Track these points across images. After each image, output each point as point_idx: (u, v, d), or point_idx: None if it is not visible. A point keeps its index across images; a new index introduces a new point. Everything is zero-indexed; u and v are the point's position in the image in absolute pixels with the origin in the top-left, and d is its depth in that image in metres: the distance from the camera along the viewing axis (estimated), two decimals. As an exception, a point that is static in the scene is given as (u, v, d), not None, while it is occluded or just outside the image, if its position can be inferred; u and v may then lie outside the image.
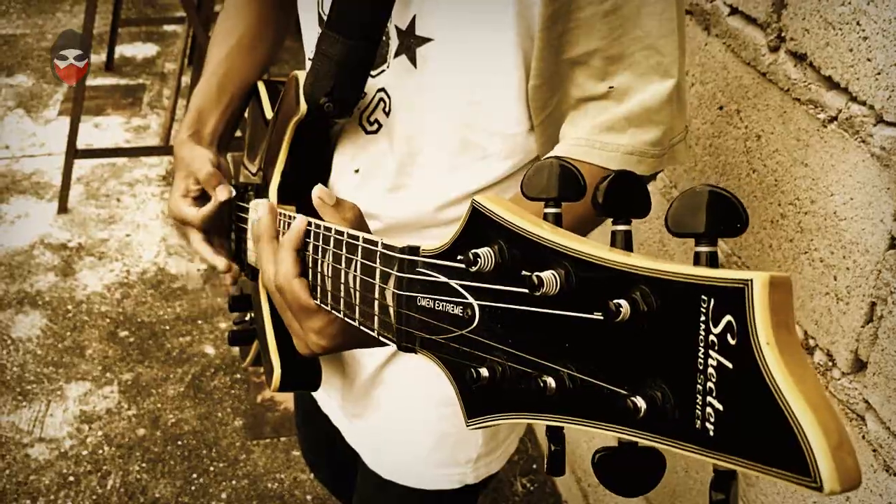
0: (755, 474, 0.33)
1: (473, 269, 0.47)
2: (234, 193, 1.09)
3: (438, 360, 0.54)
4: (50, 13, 5.27)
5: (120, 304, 2.94)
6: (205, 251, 1.13)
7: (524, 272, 0.43)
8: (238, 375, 2.66)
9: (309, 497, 2.26)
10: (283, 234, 0.81)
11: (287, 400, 2.50)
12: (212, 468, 2.34)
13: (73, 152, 3.31)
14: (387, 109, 0.92)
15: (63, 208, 3.40)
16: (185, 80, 3.83)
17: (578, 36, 0.80)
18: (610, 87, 0.81)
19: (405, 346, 0.58)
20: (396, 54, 0.87)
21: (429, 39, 0.84)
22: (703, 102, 1.38)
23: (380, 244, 0.62)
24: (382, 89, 0.92)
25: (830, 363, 1.10)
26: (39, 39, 4.89)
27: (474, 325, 0.49)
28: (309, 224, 0.79)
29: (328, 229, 0.73)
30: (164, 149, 3.60)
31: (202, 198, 1.12)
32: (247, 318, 1.21)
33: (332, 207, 0.77)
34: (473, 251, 0.47)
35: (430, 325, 0.54)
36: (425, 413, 1.10)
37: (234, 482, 2.30)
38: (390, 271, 0.59)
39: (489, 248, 0.47)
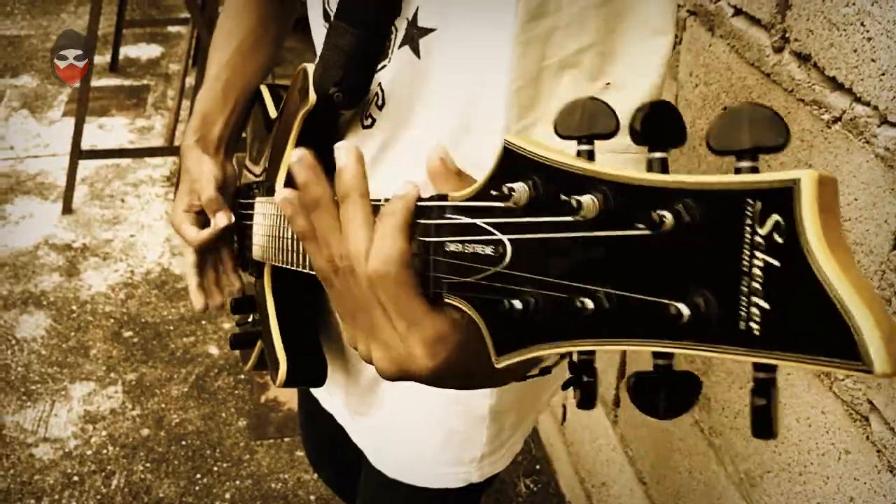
0: (803, 366, 0.34)
1: (509, 203, 0.47)
2: (233, 220, 1.09)
3: (467, 302, 0.53)
4: (54, 14, 5.29)
5: (124, 305, 2.95)
6: (191, 279, 1.14)
7: (563, 197, 0.43)
8: (242, 376, 2.66)
9: (313, 497, 2.27)
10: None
11: (291, 400, 2.51)
12: (216, 468, 2.35)
13: (77, 153, 3.32)
14: (379, 103, 0.92)
15: (67, 209, 3.41)
16: (190, 81, 3.83)
17: (570, 33, 0.75)
18: (606, 84, 0.77)
19: (434, 292, 0.57)
20: (400, 46, 0.87)
21: (431, 30, 0.84)
22: (708, 103, 1.38)
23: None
24: (378, 84, 0.92)
25: (834, 364, 1.10)
26: (44, 40, 4.91)
27: (506, 261, 0.49)
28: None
29: None
30: (169, 149, 3.61)
31: (204, 213, 1.13)
32: (249, 320, 1.21)
33: (454, 175, 0.60)
34: (508, 185, 0.47)
35: (461, 268, 0.53)
36: (431, 411, 1.10)
37: (237, 482, 2.30)
38: (416, 221, 0.58)
39: (523, 183, 0.47)
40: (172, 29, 5.06)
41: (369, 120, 0.94)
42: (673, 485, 1.66)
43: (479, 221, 0.52)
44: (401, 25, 0.86)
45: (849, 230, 1.05)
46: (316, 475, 2.16)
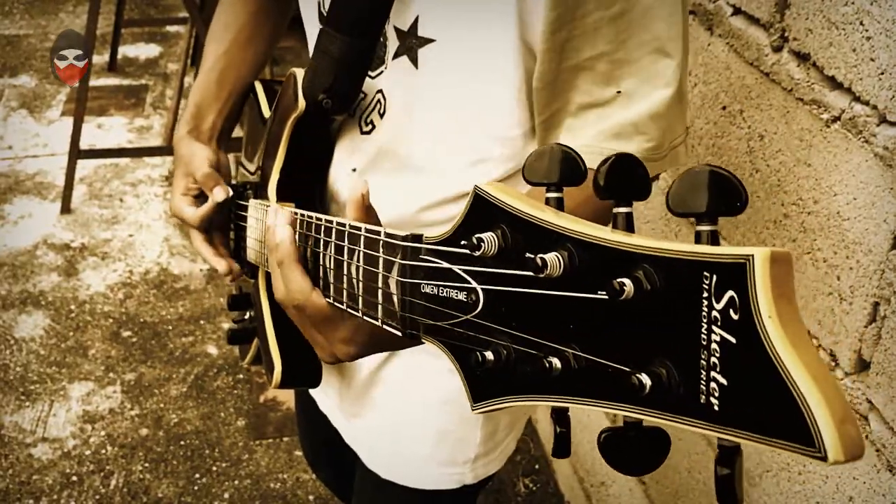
0: (760, 446, 0.34)
1: (477, 253, 0.47)
2: (231, 194, 1.09)
3: (443, 345, 0.54)
4: (53, 14, 5.28)
5: (123, 305, 2.94)
6: (206, 252, 1.14)
7: (528, 254, 0.44)
8: (241, 375, 2.66)
9: (311, 497, 2.26)
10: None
11: (289, 400, 2.50)
12: (214, 468, 2.34)
13: (76, 153, 3.32)
14: (381, 111, 0.92)
15: (66, 208, 3.40)
16: (188, 80, 3.83)
17: (584, 41, 0.78)
18: (617, 92, 0.80)
19: (410, 332, 0.58)
20: (396, 55, 0.87)
21: (431, 40, 0.84)
22: (707, 103, 1.38)
23: (383, 233, 0.63)
24: (380, 91, 0.92)
25: (833, 363, 1.10)
26: (42, 40, 4.90)
27: (479, 309, 0.50)
28: (307, 217, 0.78)
29: (329, 221, 0.73)
30: (167, 149, 3.61)
31: (202, 196, 1.13)
32: (246, 316, 1.21)
33: (364, 209, 0.72)
34: (477, 236, 0.47)
35: (435, 311, 0.54)
36: (424, 413, 1.10)
37: (236, 482, 2.30)
38: (394, 259, 0.59)
39: (492, 233, 0.47)
40: (171, 28, 5.05)
41: (369, 126, 0.94)
42: (672, 484, 1.66)
43: (454, 267, 0.52)
44: (395, 34, 0.87)
45: (848, 229, 1.05)
46: (314, 475, 2.16)
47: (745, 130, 1.27)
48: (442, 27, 0.83)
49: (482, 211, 0.49)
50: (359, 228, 0.66)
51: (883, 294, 1.00)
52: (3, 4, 5.36)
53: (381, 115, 0.92)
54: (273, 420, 2.50)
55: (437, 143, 0.90)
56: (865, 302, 1.03)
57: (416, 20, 0.84)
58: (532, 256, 0.43)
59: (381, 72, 0.90)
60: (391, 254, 0.60)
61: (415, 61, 0.85)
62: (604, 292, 0.40)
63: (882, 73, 0.96)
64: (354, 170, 0.98)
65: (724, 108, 1.33)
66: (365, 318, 0.68)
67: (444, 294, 0.53)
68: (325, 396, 1.23)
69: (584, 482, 2.18)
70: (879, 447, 1.03)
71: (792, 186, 1.16)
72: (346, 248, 0.69)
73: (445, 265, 0.53)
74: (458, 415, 1.08)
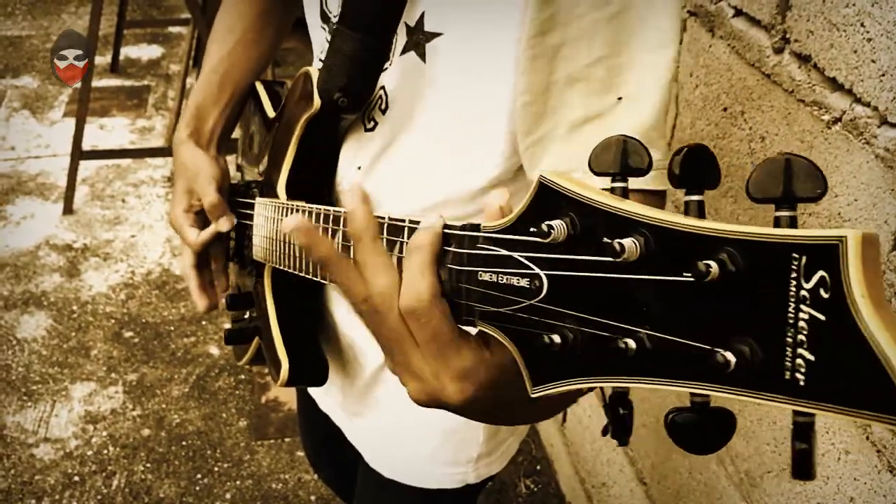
0: (845, 418, 0.35)
1: (547, 240, 0.48)
2: (235, 223, 1.09)
3: (500, 330, 0.54)
4: (55, 15, 5.29)
5: (125, 305, 2.95)
6: (192, 281, 1.14)
7: (605, 239, 0.44)
8: (242, 376, 2.67)
9: (313, 498, 2.27)
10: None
11: (291, 400, 2.51)
12: (216, 468, 2.35)
13: (78, 153, 3.33)
14: (383, 107, 0.92)
15: (68, 209, 3.41)
16: (190, 81, 3.84)
17: (579, 47, 0.73)
18: (618, 98, 0.74)
19: (465, 319, 0.58)
20: (404, 51, 0.87)
21: (438, 34, 0.84)
22: (708, 104, 1.38)
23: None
24: (382, 87, 0.92)
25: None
26: (45, 41, 4.91)
27: (543, 294, 0.50)
28: (335, 211, 0.73)
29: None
30: (169, 150, 3.61)
31: (203, 212, 1.13)
32: (245, 316, 1.21)
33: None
34: (547, 223, 0.48)
35: (494, 298, 0.55)
36: (427, 412, 1.10)
37: (238, 482, 2.31)
38: (447, 249, 0.59)
39: (561, 221, 0.48)
40: (173, 29, 5.06)
41: (371, 123, 0.94)
42: (673, 485, 1.66)
43: (515, 255, 0.53)
44: (402, 30, 0.87)
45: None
46: (316, 475, 2.16)
47: (746, 132, 1.27)
48: (448, 21, 0.83)
49: (547, 199, 0.50)
50: (403, 220, 0.66)
51: (885, 295, 1.00)
52: (6, 5, 5.37)
53: (383, 112, 0.92)
54: (275, 421, 2.51)
55: (440, 138, 0.90)
56: (866, 303, 1.03)
57: (423, 15, 0.84)
58: (609, 241, 0.44)
59: (386, 68, 0.90)
60: (443, 244, 0.60)
61: (423, 56, 0.85)
62: (689, 274, 0.41)
63: (883, 75, 0.97)
64: (359, 168, 0.99)
65: (725, 109, 1.33)
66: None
67: (504, 281, 0.54)
68: (326, 395, 1.23)
69: (585, 483, 2.18)
70: (880, 448, 1.03)
71: (793, 187, 1.16)
72: (385, 240, 0.66)
73: (505, 253, 0.54)
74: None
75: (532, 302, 0.51)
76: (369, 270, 0.61)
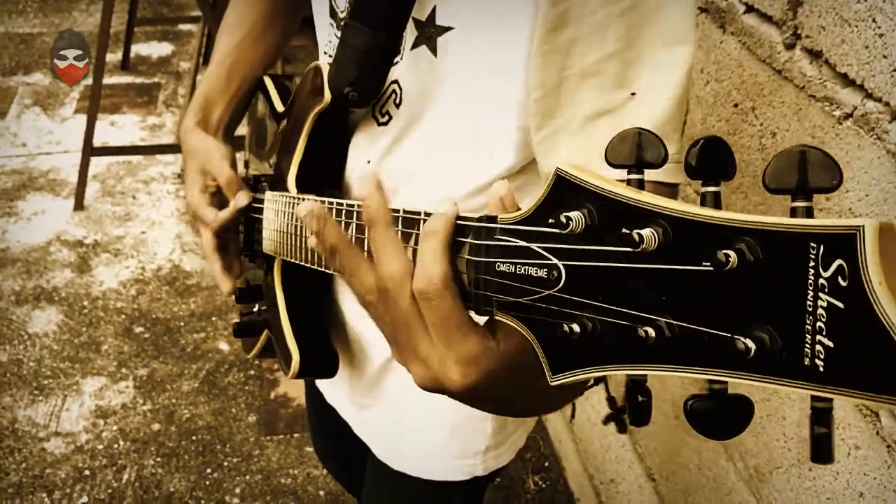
0: (864, 402, 0.36)
1: (565, 231, 0.49)
2: (252, 198, 1.09)
3: (518, 320, 0.55)
4: (66, 12, 5.31)
5: (135, 301, 2.96)
6: (216, 263, 1.12)
7: (624, 230, 0.45)
8: (252, 372, 2.68)
9: (322, 493, 2.28)
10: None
11: (300, 396, 2.52)
12: (226, 463, 2.36)
13: (89, 150, 3.34)
14: (397, 101, 0.92)
15: (79, 205, 3.43)
16: (200, 78, 3.85)
17: (591, 42, 0.73)
18: (632, 94, 0.74)
19: (483, 309, 0.59)
20: (414, 45, 0.88)
21: (449, 28, 0.84)
22: (719, 100, 1.38)
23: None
24: (395, 81, 0.92)
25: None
26: (56, 38, 4.93)
27: (561, 284, 0.51)
28: (348, 205, 0.74)
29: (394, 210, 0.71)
30: (180, 147, 3.62)
31: (219, 193, 1.12)
32: (254, 309, 1.21)
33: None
34: (565, 214, 0.49)
35: (512, 288, 0.55)
36: (435, 404, 1.10)
37: (247, 477, 2.32)
38: (464, 240, 0.60)
39: (579, 212, 0.49)
40: (183, 27, 5.08)
41: (385, 117, 0.95)
42: (682, 481, 1.66)
43: (532, 246, 0.53)
44: (413, 25, 0.87)
45: (859, 226, 1.05)
46: (325, 470, 2.17)
47: (757, 128, 1.27)
48: (460, 15, 0.83)
49: (564, 191, 0.51)
50: (417, 213, 0.66)
51: (894, 290, 1.00)
52: (17, 3, 5.40)
53: (397, 106, 0.93)
54: (284, 416, 2.52)
55: (450, 132, 0.90)
56: (877, 298, 1.03)
57: (434, 9, 0.84)
58: (628, 232, 0.44)
59: (397, 62, 0.91)
60: (460, 234, 0.61)
61: (434, 50, 0.85)
62: (708, 263, 0.42)
63: (894, 70, 0.97)
64: (369, 162, 0.99)
65: (736, 105, 1.33)
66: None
67: (522, 271, 0.54)
68: (334, 388, 1.23)
69: (593, 479, 2.18)
70: (890, 443, 1.03)
71: (804, 183, 1.16)
72: (399, 233, 0.67)
73: (523, 244, 0.54)
74: (469, 407, 1.08)
75: (551, 292, 0.52)
76: (382, 255, 0.62)
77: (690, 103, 1.48)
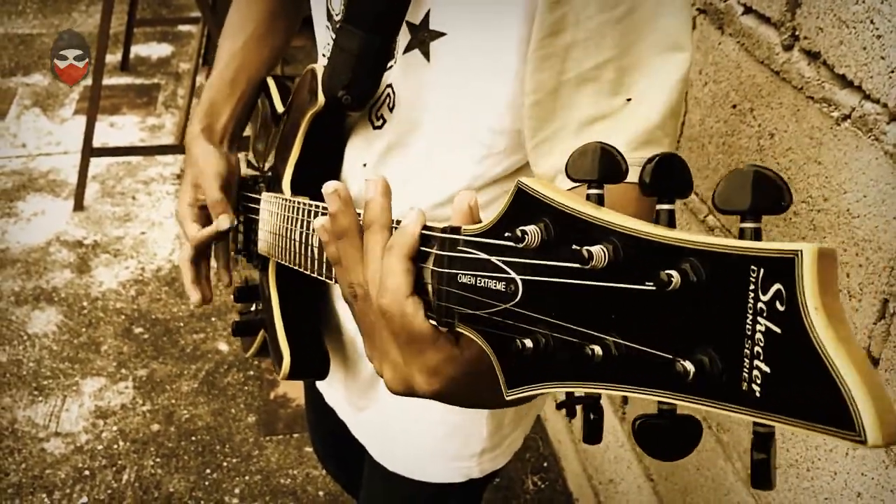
0: (800, 430, 0.35)
1: (520, 245, 0.49)
2: (235, 223, 1.10)
3: (478, 333, 0.55)
4: (66, 13, 5.32)
5: (135, 301, 2.96)
6: (187, 274, 1.16)
7: (574, 246, 0.45)
8: (251, 372, 2.68)
9: (321, 493, 2.28)
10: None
11: (300, 397, 2.52)
12: (225, 463, 2.36)
13: (88, 151, 3.35)
14: (391, 105, 0.93)
15: (79, 206, 3.43)
16: (200, 79, 3.85)
17: (588, 48, 0.73)
18: (627, 100, 0.75)
19: (445, 321, 0.59)
20: (407, 49, 0.88)
21: (442, 34, 0.84)
22: (717, 101, 1.39)
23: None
24: (390, 85, 0.92)
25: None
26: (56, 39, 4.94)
27: (517, 299, 0.51)
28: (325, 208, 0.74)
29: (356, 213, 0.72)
30: (179, 147, 3.63)
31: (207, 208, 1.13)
32: (252, 308, 1.22)
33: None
34: (521, 228, 0.49)
35: (472, 300, 0.55)
36: (430, 406, 1.10)
37: (247, 477, 2.32)
38: (429, 250, 0.60)
39: (535, 226, 0.49)
40: (183, 28, 5.08)
41: (380, 121, 0.95)
42: (681, 481, 1.67)
43: (493, 258, 0.53)
44: (407, 28, 0.87)
45: (857, 227, 1.05)
46: (324, 470, 2.17)
47: (755, 129, 1.28)
48: (453, 20, 0.83)
49: (524, 205, 0.50)
50: (395, 223, 0.67)
51: (892, 291, 1.01)
52: (17, 3, 5.40)
53: (391, 110, 0.93)
54: (283, 416, 2.52)
55: (444, 136, 0.91)
56: (874, 299, 1.04)
57: (428, 14, 0.85)
58: (578, 248, 0.44)
59: (391, 66, 0.91)
60: (425, 244, 0.61)
61: (427, 55, 0.86)
62: (651, 283, 0.41)
63: (892, 72, 0.97)
64: (365, 165, 0.99)
65: (734, 106, 1.33)
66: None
67: (482, 284, 0.54)
68: (332, 389, 1.24)
69: (592, 480, 2.19)
70: (888, 443, 1.04)
71: (802, 184, 1.16)
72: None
73: (484, 256, 0.54)
74: (465, 409, 1.09)
75: (508, 306, 0.52)
76: (369, 257, 0.63)
77: (689, 104, 1.49)
